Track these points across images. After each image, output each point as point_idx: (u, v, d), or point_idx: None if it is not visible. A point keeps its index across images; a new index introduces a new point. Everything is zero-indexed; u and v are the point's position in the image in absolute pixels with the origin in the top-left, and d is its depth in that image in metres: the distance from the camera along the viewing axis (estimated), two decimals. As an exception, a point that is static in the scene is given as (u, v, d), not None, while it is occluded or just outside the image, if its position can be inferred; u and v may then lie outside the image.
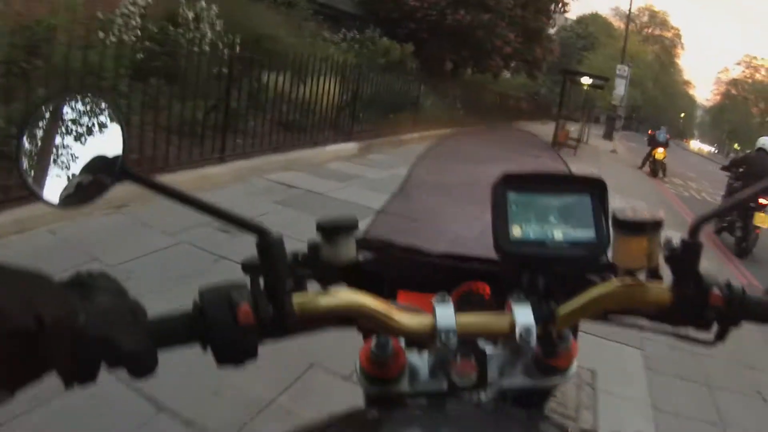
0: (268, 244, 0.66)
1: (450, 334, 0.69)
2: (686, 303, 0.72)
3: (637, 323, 0.81)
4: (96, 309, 0.53)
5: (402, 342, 0.80)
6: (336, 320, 0.75)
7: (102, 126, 0.63)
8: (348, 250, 0.75)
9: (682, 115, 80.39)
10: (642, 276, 0.75)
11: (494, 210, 0.76)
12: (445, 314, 0.71)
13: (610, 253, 0.76)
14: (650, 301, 0.74)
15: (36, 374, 0.49)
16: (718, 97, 79.44)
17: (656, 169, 17.45)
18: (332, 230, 0.74)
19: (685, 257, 0.72)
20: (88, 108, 0.64)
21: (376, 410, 0.77)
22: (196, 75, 6.11)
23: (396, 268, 0.88)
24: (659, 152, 17.26)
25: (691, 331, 0.77)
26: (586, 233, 0.76)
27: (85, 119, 0.63)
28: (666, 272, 0.75)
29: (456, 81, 18.33)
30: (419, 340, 0.73)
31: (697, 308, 0.72)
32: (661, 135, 17.44)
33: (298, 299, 0.67)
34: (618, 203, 0.80)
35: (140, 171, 0.63)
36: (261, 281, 0.66)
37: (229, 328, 0.60)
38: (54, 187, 0.61)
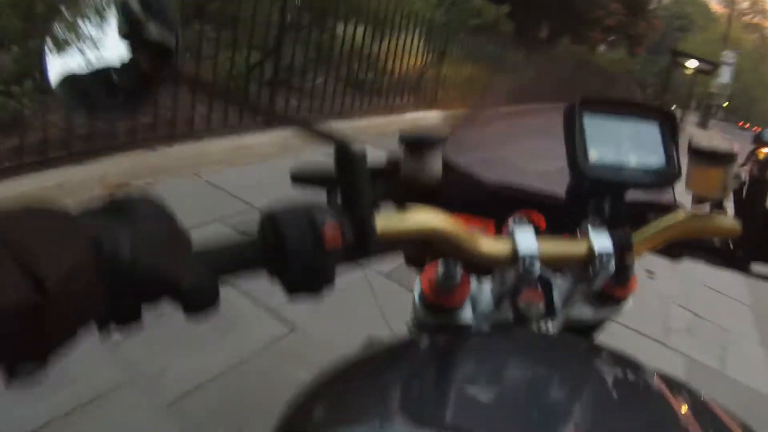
0: (349, 157, 0.57)
1: (533, 260, 0.65)
2: (753, 236, 0.74)
3: (703, 256, 0.82)
4: (138, 236, 0.43)
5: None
6: (412, 242, 0.66)
7: (156, 17, 0.55)
8: (433, 168, 0.72)
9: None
10: (707, 209, 0.75)
11: (569, 133, 0.74)
12: (527, 239, 0.67)
13: (679, 184, 0.76)
14: (720, 231, 0.75)
15: (67, 334, 0.40)
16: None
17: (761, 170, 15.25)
18: (418, 145, 0.71)
19: (753, 192, 0.74)
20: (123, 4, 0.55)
21: (440, 337, 0.71)
22: (251, 22, 4.69)
23: (456, 190, 0.80)
24: (764, 152, 15.36)
25: (754, 266, 0.77)
26: (658, 160, 0.75)
27: (117, 15, 0.55)
28: (730, 207, 0.76)
29: (551, 50, 16.45)
30: (497, 266, 0.70)
31: (764, 242, 0.74)
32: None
33: (379, 219, 0.60)
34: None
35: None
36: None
37: (313, 252, 0.51)
38: (88, 95, 0.56)
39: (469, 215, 0.77)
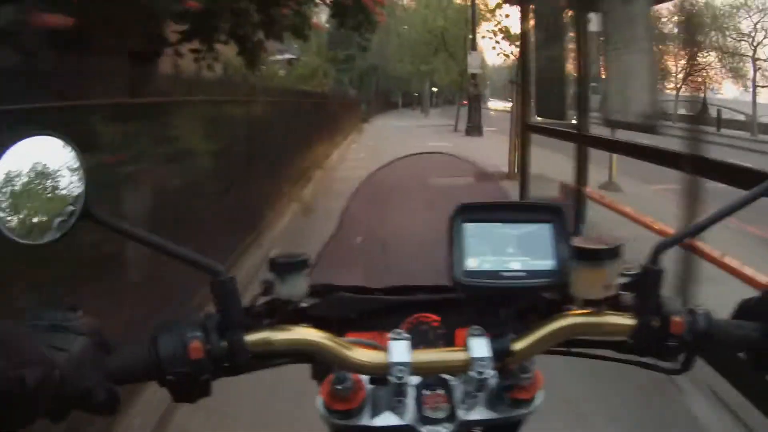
0: (220, 283, 0.68)
1: (404, 370, 0.70)
2: (647, 332, 0.72)
3: (601, 354, 0.81)
4: (71, 365, 0.59)
5: (366, 376, 0.79)
6: (292, 357, 0.78)
7: (67, 167, 0.66)
8: (300, 288, 0.78)
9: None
10: (603, 305, 0.74)
11: (450, 241, 0.76)
12: (400, 351, 0.72)
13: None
14: (610, 331, 0.74)
15: (21, 424, 0.56)
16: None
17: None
18: (283, 267, 0.76)
19: (645, 284, 0.72)
20: (53, 149, 0.66)
21: None
22: None
23: (343, 310, 0.86)
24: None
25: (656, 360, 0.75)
26: (546, 263, 0.75)
27: (50, 160, 0.66)
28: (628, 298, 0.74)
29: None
30: (375, 375, 0.75)
31: (659, 337, 0.71)
32: None
33: (251, 337, 0.70)
34: None
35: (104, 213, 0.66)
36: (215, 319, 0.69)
37: (180, 364, 0.64)
38: (24, 225, 0.64)
39: (360, 333, 0.81)
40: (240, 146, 5.75)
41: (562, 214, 0.77)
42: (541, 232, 0.76)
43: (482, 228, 0.76)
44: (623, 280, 0.73)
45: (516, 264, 0.75)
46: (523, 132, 6.99)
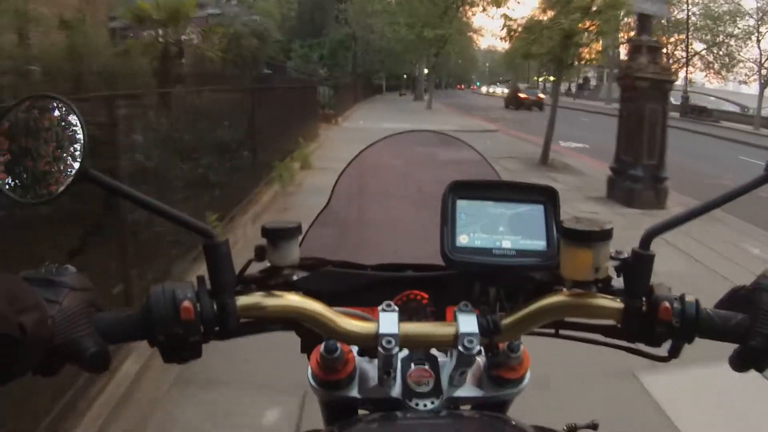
0: (213, 246, 0.69)
1: (392, 341, 0.70)
2: (635, 317, 0.70)
3: (588, 337, 0.81)
4: (62, 315, 0.61)
5: (355, 348, 0.81)
6: (281, 324, 0.78)
7: (66, 128, 0.66)
8: (291, 255, 0.78)
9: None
10: (594, 287, 0.73)
11: (443, 218, 0.76)
12: (389, 322, 0.72)
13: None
14: (598, 314, 0.73)
15: (16, 374, 0.57)
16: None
17: None
18: (276, 234, 0.77)
19: (636, 269, 0.70)
20: (55, 111, 0.67)
21: (333, 428, 0.77)
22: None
23: (333, 284, 0.84)
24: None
25: (644, 346, 0.74)
26: (536, 243, 0.75)
27: (51, 121, 0.67)
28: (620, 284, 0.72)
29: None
30: (363, 346, 0.76)
31: (647, 323, 0.70)
32: None
33: (242, 301, 0.70)
34: None
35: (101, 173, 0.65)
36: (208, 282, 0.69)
37: (171, 324, 0.64)
38: (21, 184, 0.65)
39: (350, 307, 0.78)
40: None
41: (555, 195, 0.77)
42: (533, 212, 0.76)
43: (475, 205, 0.76)
44: (614, 263, 0.72)
45: (507, 243, 0.75)
46: None
